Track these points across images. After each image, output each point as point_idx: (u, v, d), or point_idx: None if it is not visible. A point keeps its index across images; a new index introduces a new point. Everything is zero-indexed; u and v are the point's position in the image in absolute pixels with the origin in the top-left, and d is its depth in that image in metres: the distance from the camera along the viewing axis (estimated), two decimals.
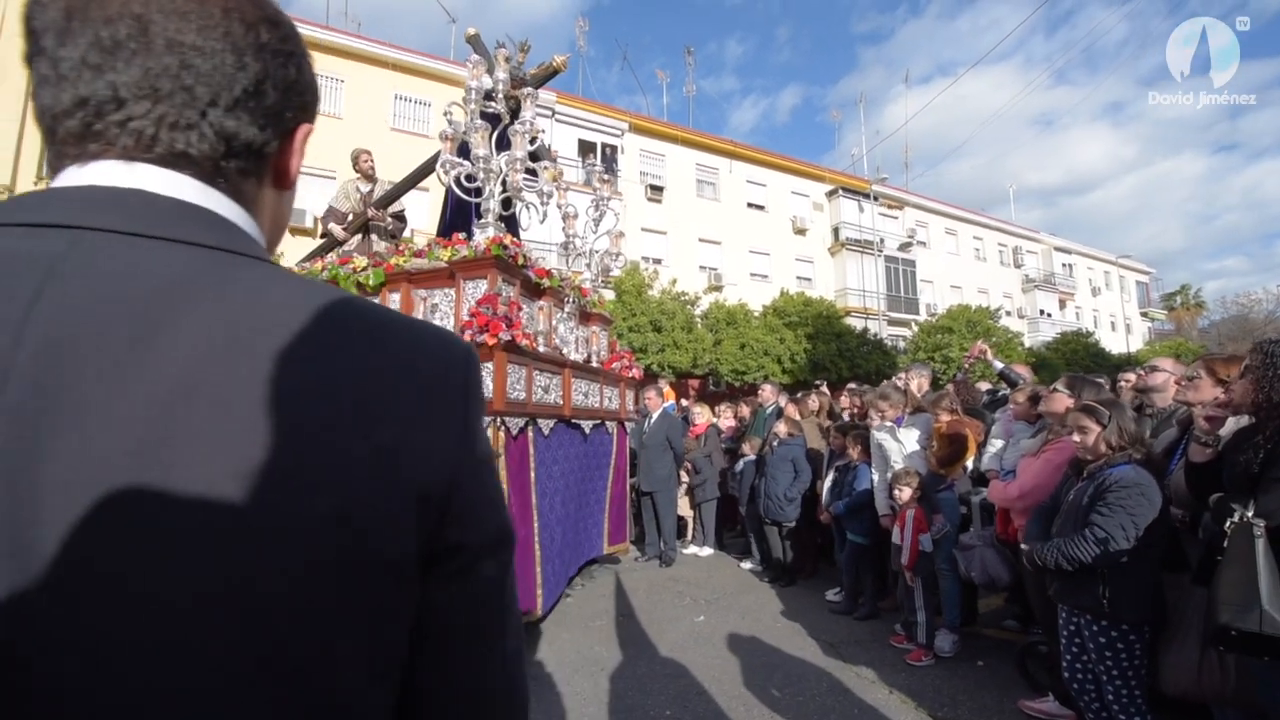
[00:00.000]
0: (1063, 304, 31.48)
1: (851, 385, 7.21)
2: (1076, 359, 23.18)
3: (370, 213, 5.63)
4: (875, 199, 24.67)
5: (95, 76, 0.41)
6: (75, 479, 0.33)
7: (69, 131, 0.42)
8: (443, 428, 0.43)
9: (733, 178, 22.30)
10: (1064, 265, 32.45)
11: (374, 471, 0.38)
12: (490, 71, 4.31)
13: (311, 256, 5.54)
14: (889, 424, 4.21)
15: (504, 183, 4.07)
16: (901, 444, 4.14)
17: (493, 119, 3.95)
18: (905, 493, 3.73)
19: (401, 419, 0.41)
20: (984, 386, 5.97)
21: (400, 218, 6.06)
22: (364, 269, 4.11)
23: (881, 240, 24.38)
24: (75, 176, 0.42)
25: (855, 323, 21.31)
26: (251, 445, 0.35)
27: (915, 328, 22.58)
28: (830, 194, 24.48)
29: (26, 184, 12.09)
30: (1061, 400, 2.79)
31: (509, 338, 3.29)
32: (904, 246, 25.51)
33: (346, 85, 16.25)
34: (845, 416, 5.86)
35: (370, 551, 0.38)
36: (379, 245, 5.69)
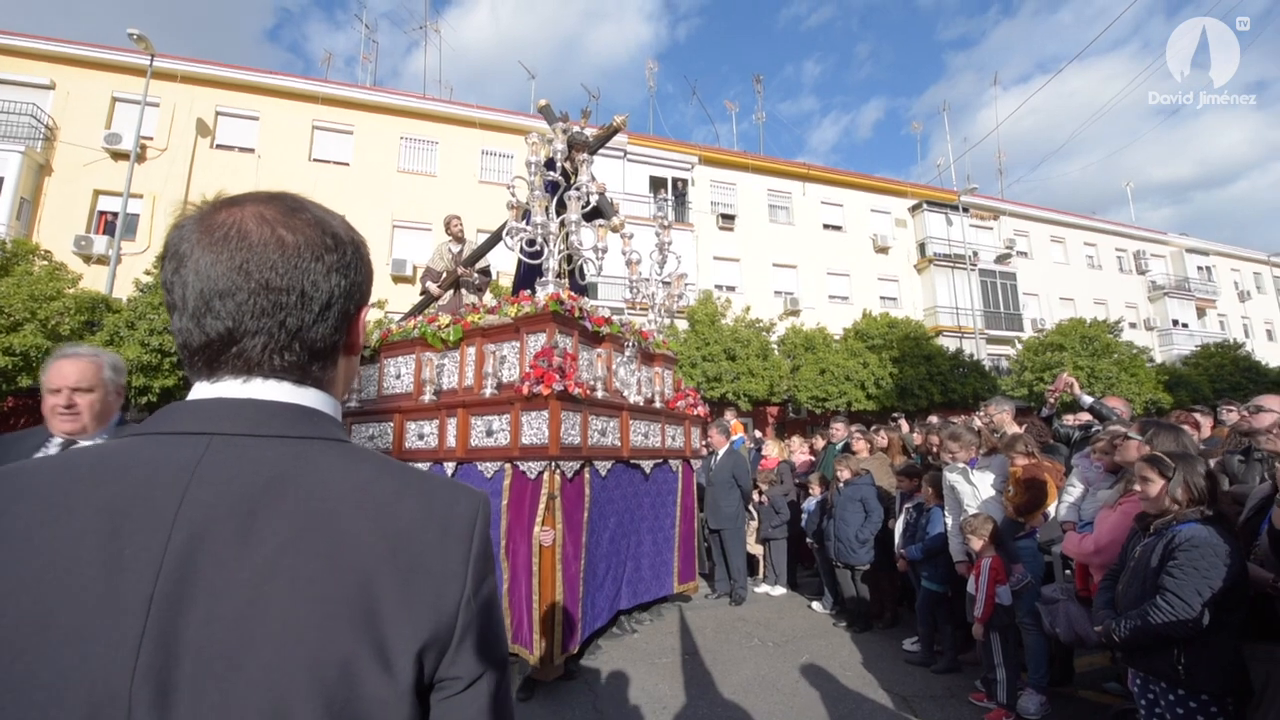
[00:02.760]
0: (1201, 312, 27.70)
1: (932, 419, 6.85)
2: (1223, 375, 20.28)
3: (460, 270, 6.23)
4: (965, 210, 23.25)
5: (216, 322, 0.57)
6: (200, 642, 0.47)
7: (201, 361, 0.59)
8: (456, 584, 0.55)
9: (806, 200, 21.95)
10: (1200, 268, 28.64)
11: (405, 624, 0.51)
12: (557, 135, 4.74)
13: (410, 314, 6.20)
14: (961, 466, 4.01)
15: (567, 240, 4.42)
16: (975, 487, 3.93)
17: (554, 185, 4.32)
18: (976, 542, 3.54)
19: (432, 577, 0.54)
20: (1085, 418, 5.46)
21: (485, 272, 6.64)
22: (446, 326, 4.58)
23: (975, 253, 22.84)
24: (206, 390, 0.59)
25: (948, 343, 20.00)
26: (312, 606, 0.49)
27: (1019, 346, 20.81)
28: (914, 209, 23.39)
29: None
30: (1135, 448, 2.58)
31: (561, 388, 3.55)
32: (1001, 258, 23.73)
33: (440, 146, 17.93)
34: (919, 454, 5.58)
35: (392, 685, 0.50)
36: (469, 298, 6.27)
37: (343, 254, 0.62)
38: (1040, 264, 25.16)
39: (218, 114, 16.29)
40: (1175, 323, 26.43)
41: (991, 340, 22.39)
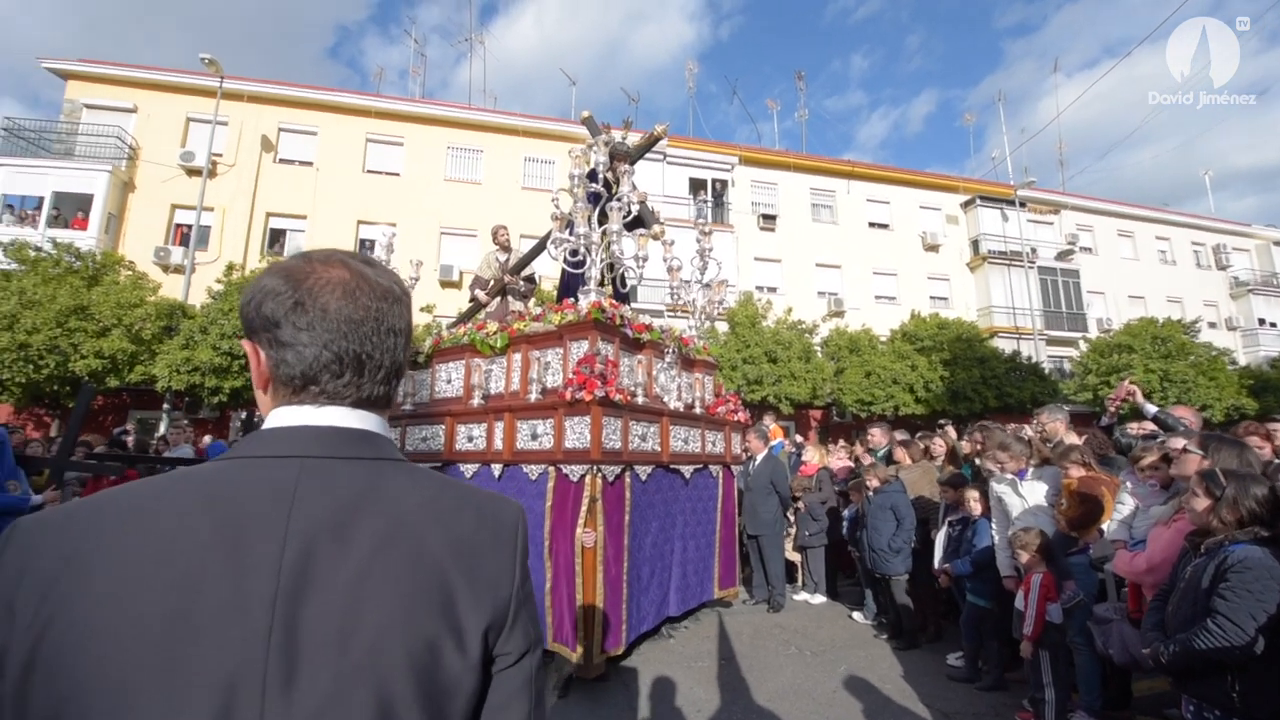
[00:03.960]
0: None
1: (984, 423, 6.62)
2: None
3: (506, 278, 6.46)
4: (1022, 205, 22.23)
5: (352, 351, 0.68)
6: (316, 630, 0.57)
7: (304, 387, 0.68)
8: (509, 577, 0.68)
9: (850, 198, 21.48)
10: None
11: (473, 611, 0.64)
12: (599, 147, 4.89)
13: (460, 320, 6.48)
14: (1010, 476, 3.90)
15: (608, 249, 4.54)
16: (1024, 499, 3.82)
17: (596, 196, 4.45)
18: (1025, 556, 3.44)
19: (490, 572, 0.67)
20: (1150, 428, 5.16)
21: (530, 279, 6.86)
22: (494, 333, 4.77)
23: (1033, 250, 21.81)
24: (288, 417, 0.68)
25: (1004, 345, 19.18)
26: (402, 599, 0.61)
27: (1083, 347, 19.74)
28: (966, 204, 22.53)
29: (240, 256, 15.29)
30: (1194, 463, 2.46)
31: (603, 394, 3.66)
32: (1063, 255, 22.58)
33: (484, 155, 18.46)
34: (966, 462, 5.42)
35: (465, 660, 0.62)
36: (515, 305, 6.48)
37: (410, 303, 0.77)
38: (1106, 260, 23.79)
39: (280, 130, 17.28)
40: (1262, 322, 24.48)
41: (1052, 342, 21.33)
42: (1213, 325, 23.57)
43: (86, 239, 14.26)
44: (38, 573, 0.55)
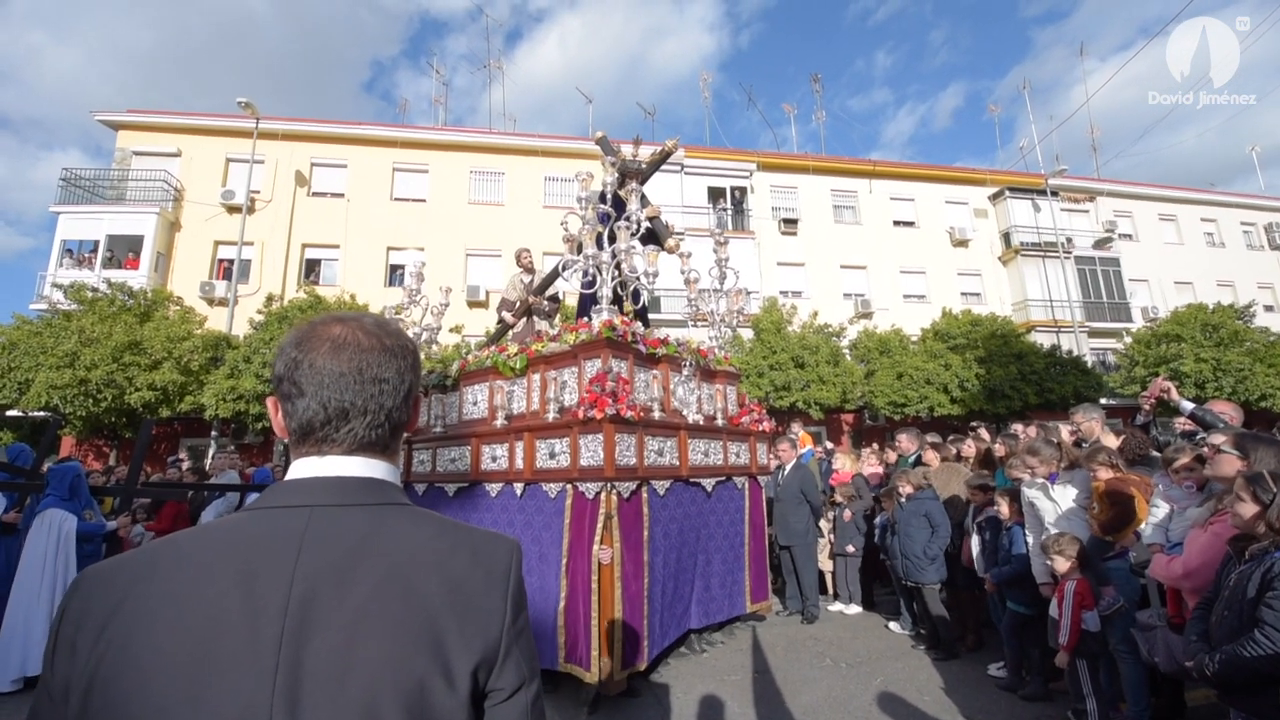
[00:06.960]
0: None
1: (1017, 426, 6.42)
2: None
3: (531, 299, 6.62)
4: (1054, 194, 21.53)
5: (340, 402, 0.74)
6: (316, 668, 0.62)
7: (305, 437, 0.75)
8: (499, 616, 0.71)
9: (873, 198, 21.17)
10: None
11: (463, 650, 0.66)
12: (607, 167, 4.98)
13: (488, 343, 6.65)
14: (1040, 481, 3.79)
15: (619, 267, 4.61)
16: (1056, 503, 3.70)
17: (607, 216, 4.53)
18: (1060, 563, 3.33)
19: (481, 612, 0.70)
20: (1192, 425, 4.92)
21: (554, 299, 7.00)
22: (514, 355, 4.87)
23: (1069, 240, 21.08)
24: (303, 469, 0.74)
25: (1043, 339, 18.52)
26: (394, 640, 0.64)
27: (1128, 338, 18.92)
28: (995, 197, 21.95)
29: (276, 287, 15.93)
30: (1231, 463, 2.36)
31: (614, 412, 3.71)
32: (1101, 243, 21.75)
33: (506, 176, 18.88)
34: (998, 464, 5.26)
35: (454, 697, 0.65)
36: (540, 325, 6.62)
37: (416, 355, 0.83)
38: (1148, 246, 22.82)
39: (313, 165, 18.04)
40: None
41: (1094, 334, 20.52)
42: (1269, 309, 22.30)
43: (138, 278, 15.11)
44: (94, 616, 0.64)
